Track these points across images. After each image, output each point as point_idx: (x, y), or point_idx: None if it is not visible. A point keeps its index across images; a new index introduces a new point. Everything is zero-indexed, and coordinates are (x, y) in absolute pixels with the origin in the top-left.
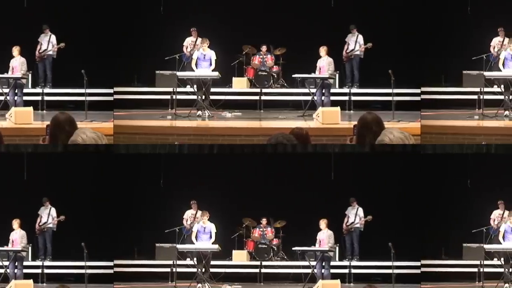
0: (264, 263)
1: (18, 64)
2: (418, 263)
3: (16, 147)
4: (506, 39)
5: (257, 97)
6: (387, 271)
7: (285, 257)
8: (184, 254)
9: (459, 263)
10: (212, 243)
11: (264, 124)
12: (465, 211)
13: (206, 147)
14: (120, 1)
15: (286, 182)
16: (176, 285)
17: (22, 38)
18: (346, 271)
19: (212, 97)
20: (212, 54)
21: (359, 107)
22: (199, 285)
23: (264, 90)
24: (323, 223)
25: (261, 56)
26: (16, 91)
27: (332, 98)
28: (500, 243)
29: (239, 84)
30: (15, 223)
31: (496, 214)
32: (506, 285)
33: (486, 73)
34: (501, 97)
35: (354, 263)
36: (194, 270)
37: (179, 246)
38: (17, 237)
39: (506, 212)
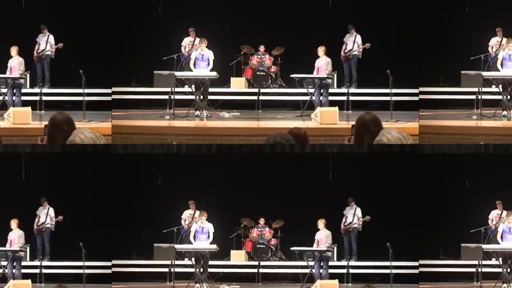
0: (262, 263)
1: (16, 64)
2: (416, 263)
3: (14, 147)
4: (504, 39)
5: (255, 97)
6: (385, 271)
7: (283, 257)
8: (182, 254)
9: (457, 263)
10: (210, 243)
11: (262, 124)
12: (463, 211)
13: (204, 147)
14: (118, 1)
15: (284, 182)
16: (174, 285)
17: (20, 38)
18: (344, 271)
19: (210, 97)
20: (210, 54)
21: (357, 107)
22: (197, 285)
23: (262, 90)
24: (321, 223)
25: (259, 56)
26: (14, 91)
27: (330, 98)
28: (498, 243)
29: (237, 84)
30: (13, 223)
31: (494, 214)
32: (504, 285)
33: (484, 73)
34: (499, 97)
35: (352, 263)
36: (192, 270)
37: (177, 246)
38: (15, 237)
39: (504, 212)
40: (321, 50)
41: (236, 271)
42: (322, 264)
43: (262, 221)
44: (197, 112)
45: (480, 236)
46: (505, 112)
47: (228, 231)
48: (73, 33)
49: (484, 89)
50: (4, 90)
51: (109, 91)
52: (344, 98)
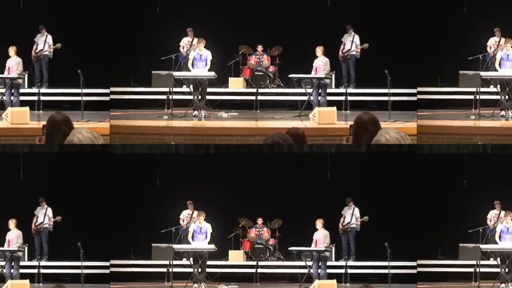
0: (260, 263)
1: (14, 64)
2: (414, 263)
3: (13, 147)
4: (503, 39)
5: (253, 97)
6: (383, 271)
7: (282, 257)
8: (180, 254)
9: (455, 263)
10: (208, 243)
11: (261, 124)
12: (462, 211)
13: (202, 147)
14: (116, 1)
15: (283, 182)
16: (173, 285)
17: (18, 38)
18: (343, 271)
19: (208, 97)
20: (208, 54)
21: (356, 107)
22: (196, 285)
23: (260, 90)
24: (319, 223)
25: (257, 56)
26: (13, 91)
27: (329, 98)
28: (497, 243)
29: (236, 84)
30: (12, 223)
31: (492, 214)
32: (503, 285)
33: (483, 73)
34: (498, 97)
35: (350, 263)
36: (191, 270)
37: (175, 246)
38: (13, 237)
39: (503, 212)
40: (319, 50)
41: (234, 271)
42: (320, 264)
43: (260, 221)
44: (195, 112)
45: (478, 236)
46: (503, 112)
47: (226, 231)
48: (71, 33)
49: (482, 89)
50: (2, 90)
51: (107, 91)
52: (342, 98)
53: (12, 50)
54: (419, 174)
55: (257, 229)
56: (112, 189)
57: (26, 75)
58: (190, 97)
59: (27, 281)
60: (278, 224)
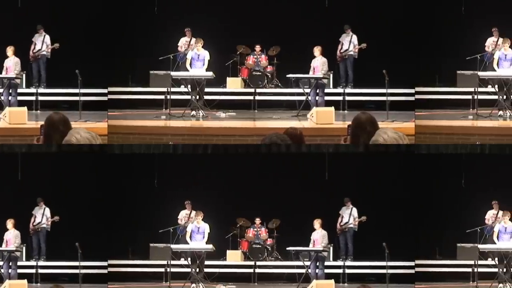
0: (258, 263)
1: (12, 64)
2: (412, 263)
3: (10, 147)
4: (500, 39)
5: (251, 97)
6: (381, 271)
7: (279, 257)
8: (178, 254)
9: (453, 263)
10: (206, 243)
11: (258, 124)
12: (459, 211)
13: (200, 147)
14: (114, 1)
15: (280, 182)
16: (170, 285)
17: (16, 38)
18: (340, 271)
19: (206, 97)
20: (206, 54)
21: (353, 107)
22: (193, 285)
23: (258, 90)
24: (317, 223)
25: (255, 56)
26: (10, 91)
27: (326, 98)
28: (495, 243)
29: (233, 84)
30: (9, 223)
31: (490, 214)
32: (500, 285)
33: (480, 73)
34: (495, 97)
35: (348, 263)
36: (188, 270)
37: (173, 246)
38: (11, 237)
39: (500, 212)
40: (317, 50)
41: (232, 271)
42: (318, 264)
43: (258, 221)
44: (193, 112)
45: (476, 236)
46: (501, 112)
47: (224, 231)
48: (69, 33)
49: (480, 89)
50: (0, 90)
51: (105, 91)
52: (340, 98)
53: (10, 50)
54: (417, 174)
55: (255, 229)
56: (110, 189)
57: (24, 75)
58: (188, 97)
59: (25, 281)
60: (276, 224)
